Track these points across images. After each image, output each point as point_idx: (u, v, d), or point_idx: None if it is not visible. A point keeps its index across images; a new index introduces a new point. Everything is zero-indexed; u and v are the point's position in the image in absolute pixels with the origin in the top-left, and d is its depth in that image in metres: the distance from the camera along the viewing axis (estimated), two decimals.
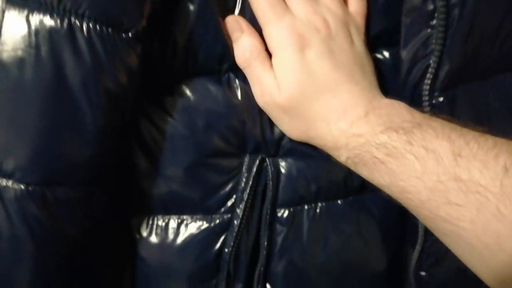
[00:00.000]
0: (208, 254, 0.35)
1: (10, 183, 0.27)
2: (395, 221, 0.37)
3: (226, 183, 0.34)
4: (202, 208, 0.35)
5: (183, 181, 0.34)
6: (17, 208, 0.28)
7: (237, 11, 0.32)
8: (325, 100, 0.31)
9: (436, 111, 0.33)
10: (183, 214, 0.35)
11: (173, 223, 0.35)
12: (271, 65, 0.31)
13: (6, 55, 0.26)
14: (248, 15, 0.32)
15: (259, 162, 0.34)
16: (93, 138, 0.28)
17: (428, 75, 0.32)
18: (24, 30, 0.26)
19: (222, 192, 0.34)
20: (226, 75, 0.33)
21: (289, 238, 0.35)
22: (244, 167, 0.34)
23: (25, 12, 0.26)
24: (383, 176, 0.28)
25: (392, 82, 0.34)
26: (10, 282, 0.29)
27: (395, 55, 0.34)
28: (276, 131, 0.34)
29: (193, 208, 0.35)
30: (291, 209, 0.35)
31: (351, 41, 0.32)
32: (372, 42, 0.34)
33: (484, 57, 0.33)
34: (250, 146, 0.34)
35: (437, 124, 0.28)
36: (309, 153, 0.34)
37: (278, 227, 0.36)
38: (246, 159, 0.34)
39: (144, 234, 0.35)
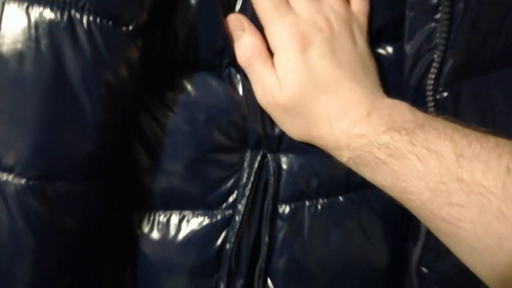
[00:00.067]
0: (210, 250, 0.35)
1: (10, 177, 0.27)
2: (396, 217, 0.37)
3: (227, 179, 0.34)
4: (203, 203, 0.34)
5: (183, 176, 0.34)
6: (17, 202, 0.28)
7: (238, 6, 0.32)
8: (326, 99, 0.30)
9: (440, 106, 0.32)
10: (184, 209, 0.35)
11: (174, 219, 0.35)
12: (273, 64, 0.31)
13: (5, 48, 0.26)
14: (249, 12, 0.31)
15: (260, 157, 0.34)
16: (93, 132, 0.28)
17: (432, 70, 0.32)
18: (24, 23, 0.26)
19: (223, 187, 0.34)
20: (227, 70, 0.33)
21: (290, 234, 0.35)
22: (245, 163, 0.34)
23: (25, 5, 0.26)
24: (385, 176, 0.28)
25: (395, 77, 0.34)
26: (10, 277, 0.29)
27: (398, 50, 0.34)
28: (277, 126, 0.34)
29: (194, 203, 0.34)
30: (292, 205, 0.35)
31: (354, 41, 0.32)
32: (375, 37, 0.34)
33: (489, 51, 0.33)
34: (251, 141, 0.34)
35: (440, 124, 0.28)
36: (310, 149, 0.34)
37: (279, 223, 0.35)
38: (248, 155, 0.34)
39: (146, 230, 0.35)
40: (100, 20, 0.26)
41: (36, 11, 0.26)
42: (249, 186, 0.34)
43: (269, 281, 0.36)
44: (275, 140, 0.34)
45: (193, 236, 0.34)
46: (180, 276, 0.35)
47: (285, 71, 0.31)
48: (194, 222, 0.35)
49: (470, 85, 0.33)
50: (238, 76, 0.33)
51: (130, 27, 0.27)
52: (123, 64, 0.28)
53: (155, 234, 0.35)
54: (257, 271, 0.36)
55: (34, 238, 0.28)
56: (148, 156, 0.33)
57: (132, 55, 0.28)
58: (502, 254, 0.24)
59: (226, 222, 0.35)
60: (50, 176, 0.28)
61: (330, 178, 0.35)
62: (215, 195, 0.34)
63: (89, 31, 0.26)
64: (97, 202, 0.31)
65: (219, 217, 0.35)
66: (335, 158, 0.32)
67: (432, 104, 0.32)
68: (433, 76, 0.32)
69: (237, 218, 0.34)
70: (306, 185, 0.35)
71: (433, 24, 0.31)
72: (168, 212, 0.35)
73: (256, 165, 0.34)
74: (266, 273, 0.36)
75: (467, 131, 0.27)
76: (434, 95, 0.32)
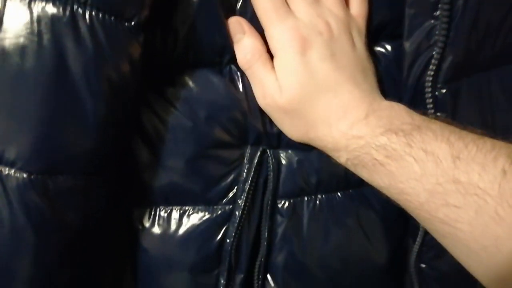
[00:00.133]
0: (210, 245, 0.35)
1: (12, 171, 0.27)
2: (395, 214, 0.37)
3: (227, 175, 0.34)
4: (204, 199, 0.35)
5: (184, 172, 0.34)
6: (18, 196, 0.28)
7: (238, 5, 0.32)
8: (325, 100, 0.31)
9: (439, 103, 0.32)
10: (185, 205, 0.35)
11: (175, 214, 0.35)
12: (273, 67, 0.32)
13: (8, 43, 0.26)
14: (249, 13, 0.32)
15: (260, 153, 0.34)
16: (94, 127, 0.28)
17: (431, 67, 0.32)
18: (26, 18, 0.26)
19: (224, 183, 0.34)
20: (228, 67, 0.33)
21: (289, 229, 0.35)
22: (245, 159, 0.34)
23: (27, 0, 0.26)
24: (382, 178, 0.29)
25: (394, 76, 0.34)
26: (11, 271, 0.29)
27: (397, 48, 0.34)
28: None
29: (195, 199, 0.35)
30: (292, 201, 0.35)
31: (353, 44, 0.32)
32: (375, 36, 0.34)
33: (488, 51, 0.33)
34: (251, 137, 0.34)
35: (437, 126, 0.28)
36: (309, 146, 0.34)
37: (279, 218, 0.36)
38: (248, 151, 0.34)
39: (147, 225, 0.35)
40: (102, 16, 0.26)
41: (38, 6, 0.26)
42: (249, 181, 0.34)
43: (268, 277, 0.37)
44: (275, 137, 0.34)
45: (193, 230, 0.35)
46: (180, 271, 0.35)
47: (285, 74, 0.31)
48: (194, 217, 0.35)
49: (470, 82, 0.34)
50: (239, 73, 0.33)
51: (132, 23, 0.27)
52: (125, 60, 0.28)
53: (156, 229, 0.35)
54: (256, 267, 0.36)
55: (35, 233, 0.28)
56: (149, 152, 0.34)
57: (134, 51, 0.28)
58: (498, 255, 0.24)
59: (226, 217, 0.35)
60: (52, 171, 0.28)
61: (329, 175, 0.36)
62: (215, 191, 0.34)
63: (91, 26, 0.26)
64: (99, 197, 0.31)
65: (219, 212, 0.35)
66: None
67: (430, 101, 0.32)
68: (431, 73, 0.32)
69: (237, 213, 0.34)
70: (305, 181, 0.35)
71: (433, 21, 0.31)
72: (169, 208, 0.35)
73: (256, 161, 0.34)
74: (266, 268, 0.36)
75: (464, 133, 0.27)
76: (432, 92, 0.32)
